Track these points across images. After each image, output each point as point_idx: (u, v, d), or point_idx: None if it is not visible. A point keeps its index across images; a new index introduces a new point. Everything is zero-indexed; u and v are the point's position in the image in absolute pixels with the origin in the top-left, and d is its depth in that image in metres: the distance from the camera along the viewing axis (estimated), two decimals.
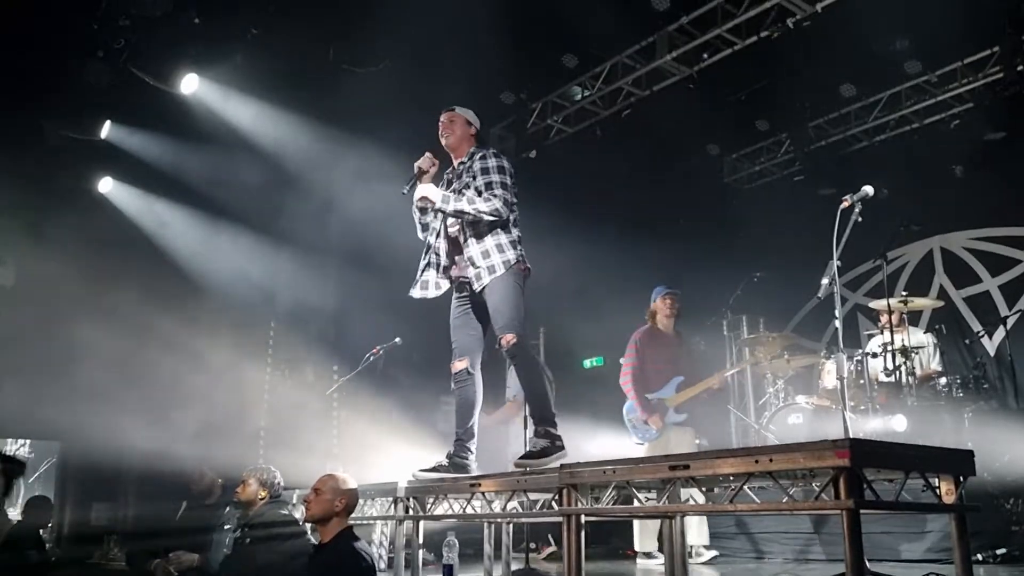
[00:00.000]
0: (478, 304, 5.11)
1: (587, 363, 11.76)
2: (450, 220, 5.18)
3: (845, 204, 4.95)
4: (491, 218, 4.97)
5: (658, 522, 7.12)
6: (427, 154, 5.17)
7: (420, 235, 5.38)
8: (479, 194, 5.01)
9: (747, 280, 9.71)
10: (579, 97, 10.62)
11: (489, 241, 5.00)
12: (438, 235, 5.27)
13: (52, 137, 8.55)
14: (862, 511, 3.33)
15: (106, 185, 9.62)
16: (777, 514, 5.94)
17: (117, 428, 8.10)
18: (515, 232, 5.12)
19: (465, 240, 5.05)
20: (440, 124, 5.34)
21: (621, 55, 9.84)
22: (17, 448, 12.21)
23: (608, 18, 8.58)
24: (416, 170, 5.15)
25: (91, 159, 9.21)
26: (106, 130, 8.98)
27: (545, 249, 9.32)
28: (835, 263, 4.84)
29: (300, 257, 9.77)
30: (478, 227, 5.02)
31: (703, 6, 8.88)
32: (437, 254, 5.26)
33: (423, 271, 5.30)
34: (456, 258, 5.19)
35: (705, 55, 9.27)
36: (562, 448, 4.82)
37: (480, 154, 5.19)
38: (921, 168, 9.80)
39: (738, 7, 8.71)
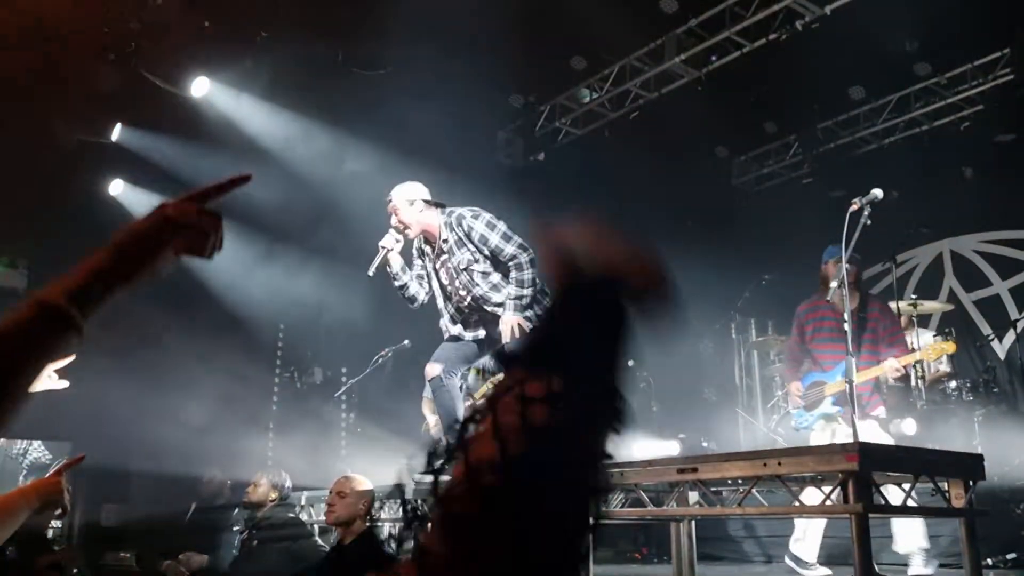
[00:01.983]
0: (481, 342, 5.25)
1: None
2: (463, 294, 5.18)
3: (854, 207, 4.95)
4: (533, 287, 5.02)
5: (819, 531, 5.87)
6: (391, 232, 5.18)
7: (413, 307, 5.42)
8: (503, 270, 5.05)
9: (755, 283, 9.69)
10: (587, 99, 10.62)
11: (522, 302, 5.00)
12: (449, 312, 5.30)
13: (64, 140, 8.60)
14: (871, 515, 3.33)
15: (117, 187, 9.67)
16: (786, 517, 5.92)
17: (127, 429, 8.14)
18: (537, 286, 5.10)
19: (495, 308, 5.09)
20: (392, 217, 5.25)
21: (629, 57, 9.83)
22: (31, 449, 12.22)
23: (616, 20, 8.57)
24: (381, 249, 5.17)
25: (102, 162, 9.26)
26: (117, 133, 9.03)
27: None
28: (844, 266, 4.83)
29: (309, 259, 9.80)
30: (502, 292, 5.04)
31: (712, 8, 8.87)
32: (449, 313, 5.31)
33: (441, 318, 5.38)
34: (486, 323, 5.21)
35: (714, 57, 9.27)
36: None
37: (460, 225, 5.09)
38: (931, 170, 9.76)
39: (747, 9, 8.70)
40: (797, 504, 3.84)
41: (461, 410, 5.24)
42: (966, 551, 3.88)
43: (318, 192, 9.45)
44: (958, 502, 3.91)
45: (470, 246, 5.07)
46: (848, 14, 8.18)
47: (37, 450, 12.14)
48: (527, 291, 4.99)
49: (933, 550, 5.65)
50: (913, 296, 7.76)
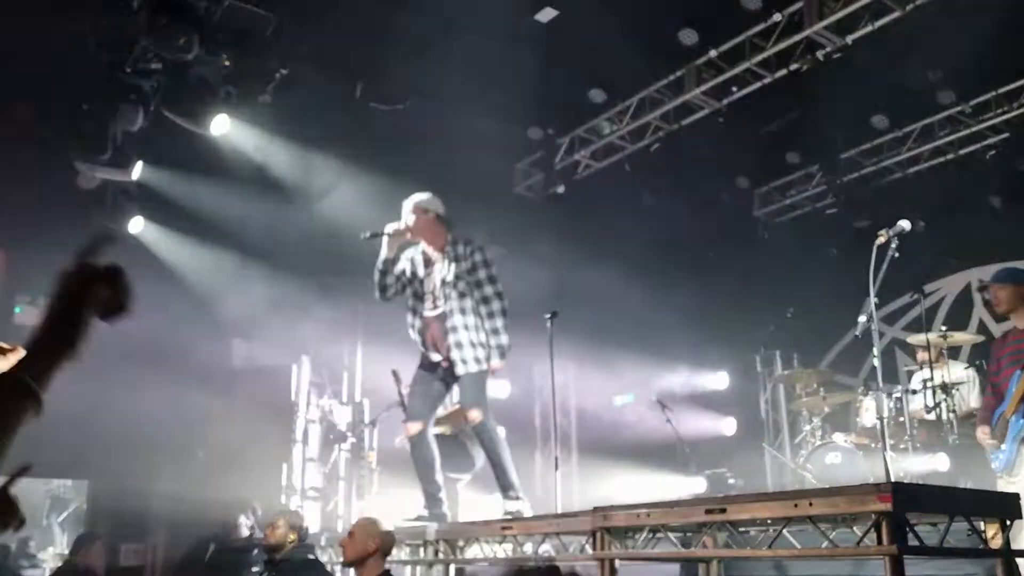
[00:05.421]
0: (447, 373, 5.52)
1: (618, 400, 11.64)
2: (430, 304, 5.52)
3: (881, 240, 4.85)
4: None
5: None
6: (404, 225, 5.55)
7: (377, 295, 5.66)
8: (486, 300, 5.48)
9: (780, 316, 9.58)
10: (607, 132, 10.59)
11: (474, 335, 5.39)
12: (415, 314, 5.62)
13: (85, 179, 8.64)
14: (905, 556, 3.22)
15: (137, 225, 9.70)
16: (818, 558, 5.77)
17: (146, 468, 8.11)
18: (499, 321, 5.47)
19: (451, 328, 5.39)
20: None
21: (649, 89, 9.81)
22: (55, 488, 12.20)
23: (636, 53, 8.57)
24: (388, 228, 5.48)
25: (123, 200, 9.30)
26: (138, 171, 9.07)
27: (574, 285, 9.30)
28: (872, 300, 4.73)
29: (330, 295, 9.79)
30: (465, 318, 5.39)
31: (731, 40, 8.85)
32: (418, 332, 5.60)
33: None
34: (436, 340, 5.49)
35: (734, 88, 9.22)
36: (526, 510, 5.36)
37: (467, 246, 5.58)
38: (957, 200, 9.65)
39: (767, 40, 8.66)
40: (828, 545, 3.72)
41: (438, 460, 5.57)
42: None
43: (338, 227, 9.45)
44: (995, 542, 3.78)
45: (464, 264, 5.49)
46: (870, 43, 8.12)
47: (61, 487, 12.13)
48: (507, 339, 5.46)
49: None
50: (943, 328, 7.61)
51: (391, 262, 5.59)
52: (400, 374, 6.64)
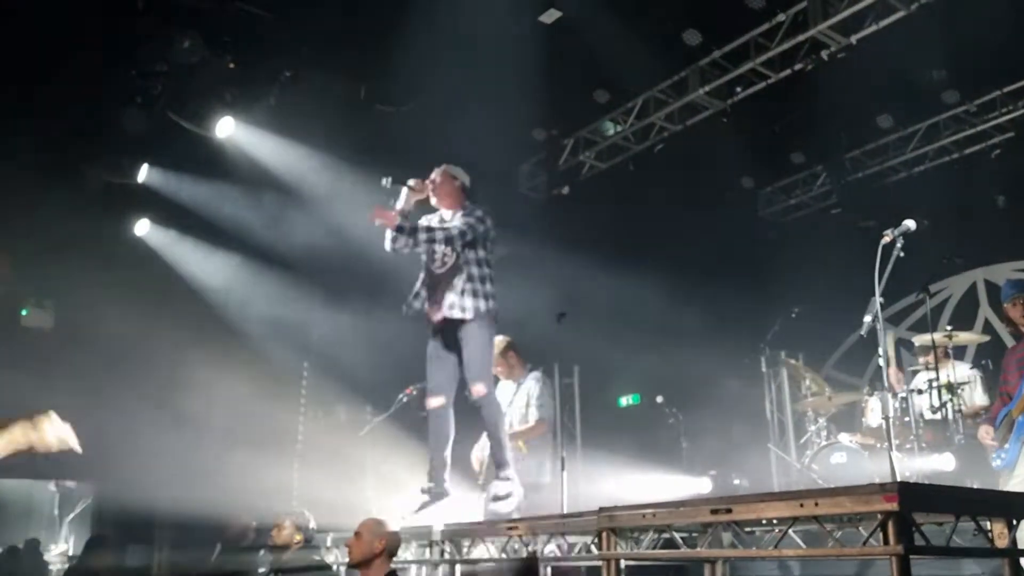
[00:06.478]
0: (454, 343, 5.46)
1: (623, 401, 11.62)
2: (436, 258, 5.52)
3: (886, 239, 4.84)
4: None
5: None
6: (428, 180, 5.62)
7: (386, 245, 5.58)
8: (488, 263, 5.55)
9: (785, 316, 9.55)
10: (611, 132, 10.60)
11: (473, 286, 5.39)
12: (425, 271, 5.64)
13: (91, 181, 8.68)
14: (912, 556, 3.22)
15: (143, 227, 9.73)
16: (823, 559, 5.76)
17: (152, 469, 8.12)
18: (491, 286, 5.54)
19: (451, 281, 5.40)
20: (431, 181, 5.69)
21: (653, 90, 9.82)
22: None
23: (640, 53, 8.56)
24: (411, 181, 5.52)
25: (129, 202, 9.33)
26: (144, 174, 9.09)
27: (579, 285, 9.29)
28: (877, 300, 4.71)
29: (333, 297, 9.79)
30: (467, 270, 5.40)
31: (735, 40, 8.84)
32: (424, 287, 5.61)
33: (414, 296, 5.66)
34: (438, 296, 5.46)
35: (738, 88, 9.22)
36: (517, 491, 5.46)
37: (485, 214, 5.60)
38: (962, 199, 9.64)
39: (771, 40, 8.66)
40: (834, 545, 3.72)
41: (452, 434, 5.55)
42: None
43: (342, 230, 9.45)
44: (1001, 542, 3.78)
45: (479, 226, 5.49)
46: (874, 43, 8.12)
47: (69, 487, 12.12)
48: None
49: None
50: (948, 327, 7.59)
51: (405, 214, 5.55)
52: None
